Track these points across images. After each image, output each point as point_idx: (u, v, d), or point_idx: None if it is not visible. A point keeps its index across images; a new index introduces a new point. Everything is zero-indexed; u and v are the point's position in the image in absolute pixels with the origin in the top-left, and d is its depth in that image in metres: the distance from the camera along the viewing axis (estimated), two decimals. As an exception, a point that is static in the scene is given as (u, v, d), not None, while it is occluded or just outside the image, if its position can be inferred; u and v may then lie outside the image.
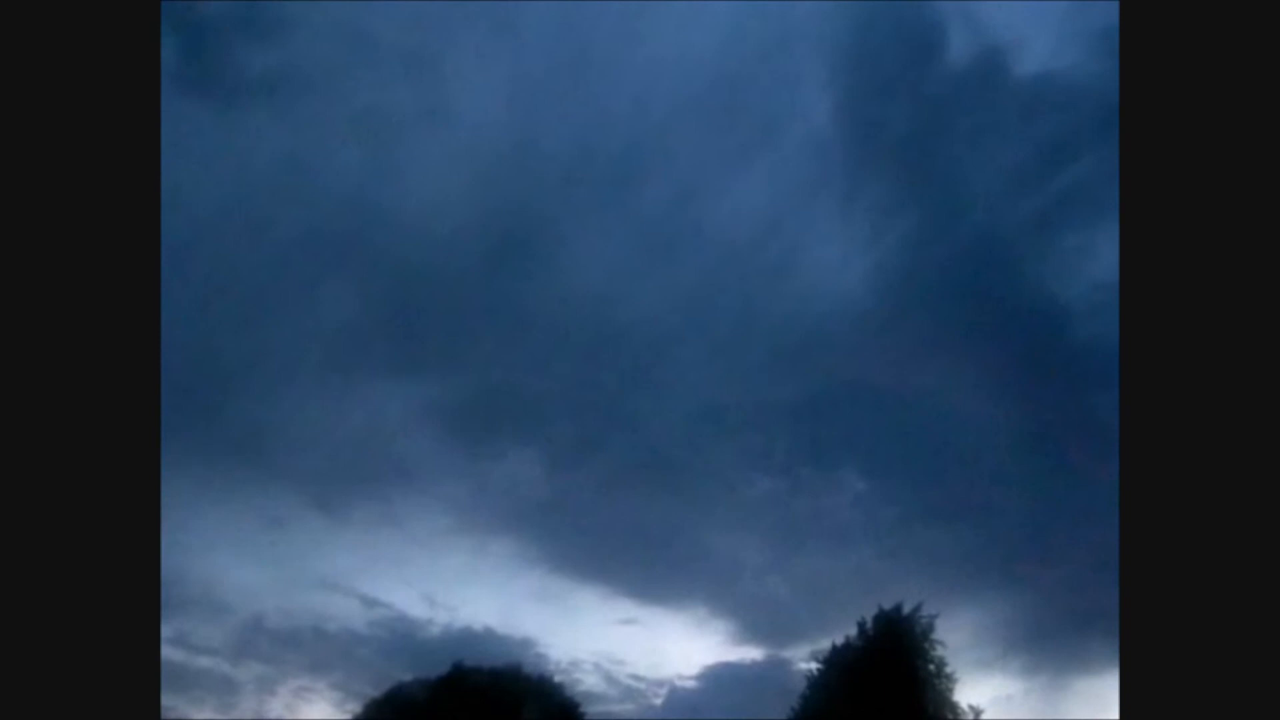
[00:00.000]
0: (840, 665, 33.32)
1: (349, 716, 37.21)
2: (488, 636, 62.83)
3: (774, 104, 73.01)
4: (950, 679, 32.56)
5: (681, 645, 64.82)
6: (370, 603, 64.54)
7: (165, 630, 56.60)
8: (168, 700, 54.27)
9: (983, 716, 32.44)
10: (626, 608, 66.95)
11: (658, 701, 58.03)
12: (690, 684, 57.69)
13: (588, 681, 60.19)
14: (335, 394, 72.94)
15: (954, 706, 32.30)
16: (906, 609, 33.33)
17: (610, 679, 61.34)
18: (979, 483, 64.83)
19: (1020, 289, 66.92)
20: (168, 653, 57.24)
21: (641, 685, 60.35)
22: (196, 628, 60.73)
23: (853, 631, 33.59)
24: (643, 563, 70.27)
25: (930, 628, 32.98)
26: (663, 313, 75.87)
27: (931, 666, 32.64)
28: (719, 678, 56.27)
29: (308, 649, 62.11)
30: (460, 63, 71.66)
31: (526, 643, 61.87)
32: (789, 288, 74.72)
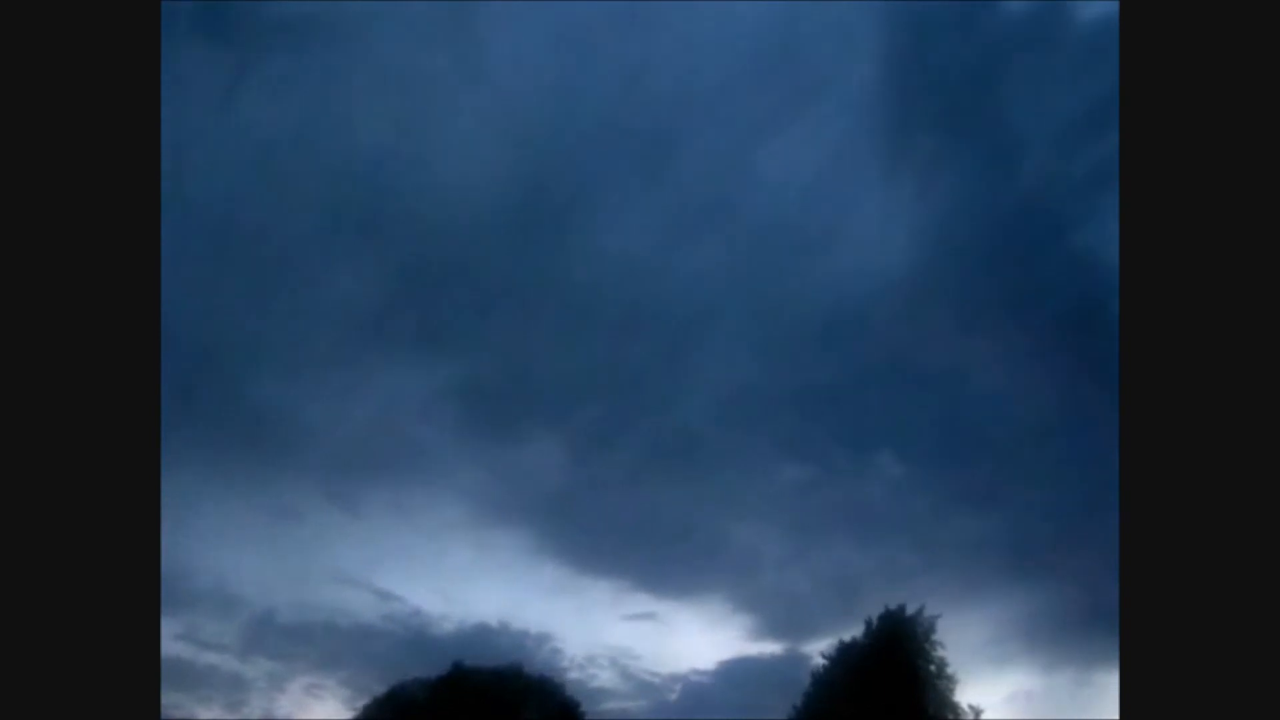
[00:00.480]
0: (843, 664, 33.38)
1: (352, 715, 37.23)
2: (502, 631, 61.60)
3: (822, 54, 67.21)
4: (951, 679, 32.59)
5: (699, 639, 63.17)
6: (384, 596, 62.85)
7: (174, 626, 56.31)
8: (176, 698, 53.64)
9: (983, 716, 32.47)
10: (644, 602, 65.07)
11: (673, 697, 57.18)
12: (706, 679, 56.69)
13: (602, 677, 59.77)
14: (351, 376, 68.90)
15: (954, 706, 32.33)
16: (910, 609, 33.40)
17: (625, 674, 60.31)
18: (1016, 467, 61.31)
19: (1069, 255, 62.82)
20: (177, 649, 56.68)
21: (656, 680, 59.32)
22: (206, 623, 59.51)
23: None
24: (662, 555, 67.37)
25: (932, 628, 33.03)
26: (698, 288, 71.05)
27: (933, 666, 32.69)
28: (735, 673, 55.21)
29: (319, 644, 60.89)
30: (497, 19, 65.90)
31: (541, 637, 61.17)
32: (829, 259, 69.56)
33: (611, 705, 57.63)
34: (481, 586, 65.04)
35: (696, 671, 58.33)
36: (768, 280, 70.95)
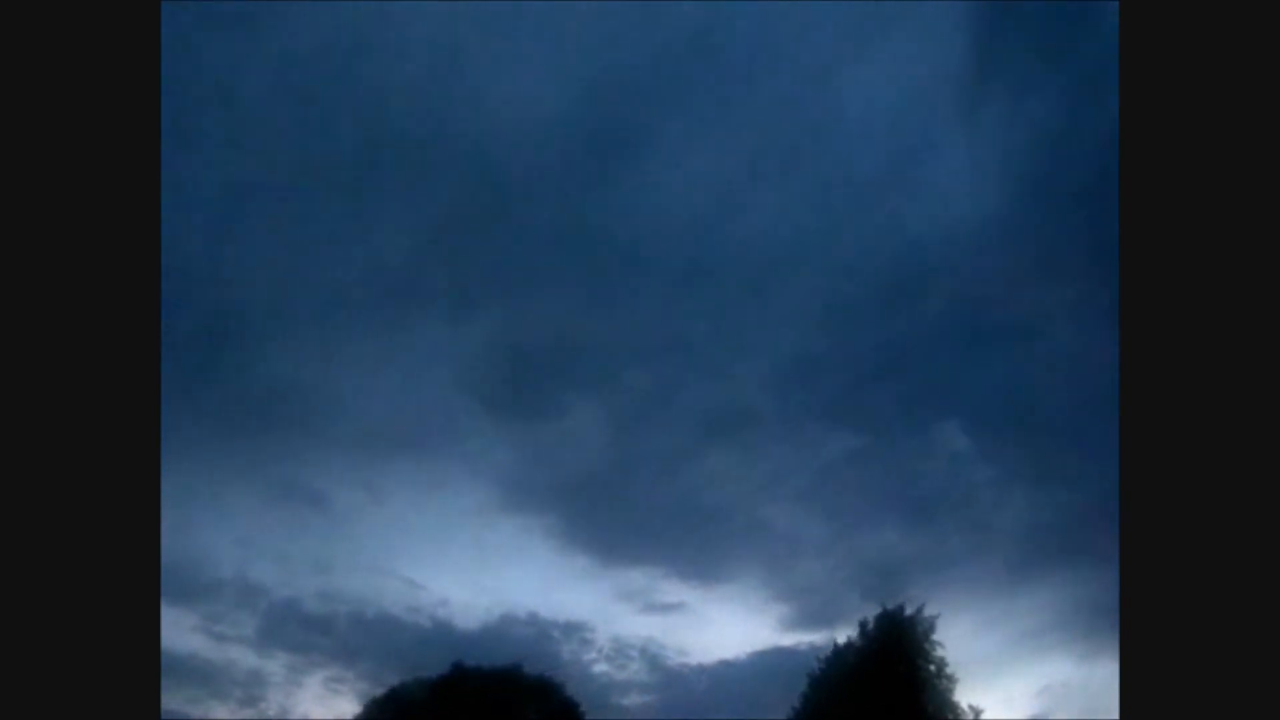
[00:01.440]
0: (842, 665, 33.37)
1: (352, 717, 37.21)
2: (530, 621, 59.56)
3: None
4: (950, 679, 32.60)
5: (732, 629, 60.37)
6: (409, 584, 60.25)
7: (191, 618, 55.21)
8: (192, 693, 52.78)
9: (983, 717, 32.47)
10: (677, 589, 61.95)
11: (701, 689, 55.09)
12: (737, 670, 54.64)
13: (631, 668, 58.22)
14: (378, 343, 63.11)
15: (954, 706, 32.32)
16: (909, 609, 33.40)
17: (655, 665, 58.43)
18: (1087, 438, 55.11)
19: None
20: (194, 641, 55.33)
21: (686, 671, 57.33)
22: (227, 612, 57.42)
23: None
24: (698, 539, 63.54)
25: (932, 628, 33.04)
26: (760, 243, 64.46)
27: (932, 667, 32.69)
28: (768, 664, 52.92)
29: (342, 635, 58.62)
30: (557, -61, 58.96)
31: (570, 627, 59.20)
32: (901, 206, 63.15)
33: (637, 699, 56.14)
34: (511, 573, 62.08)
35: (725, 663, 56.17)
36: (835, 232, 64.33)
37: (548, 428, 66.00)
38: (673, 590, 61.92)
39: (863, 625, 33.70)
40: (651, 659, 58.84)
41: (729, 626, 60.25)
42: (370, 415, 64.06)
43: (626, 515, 65.18)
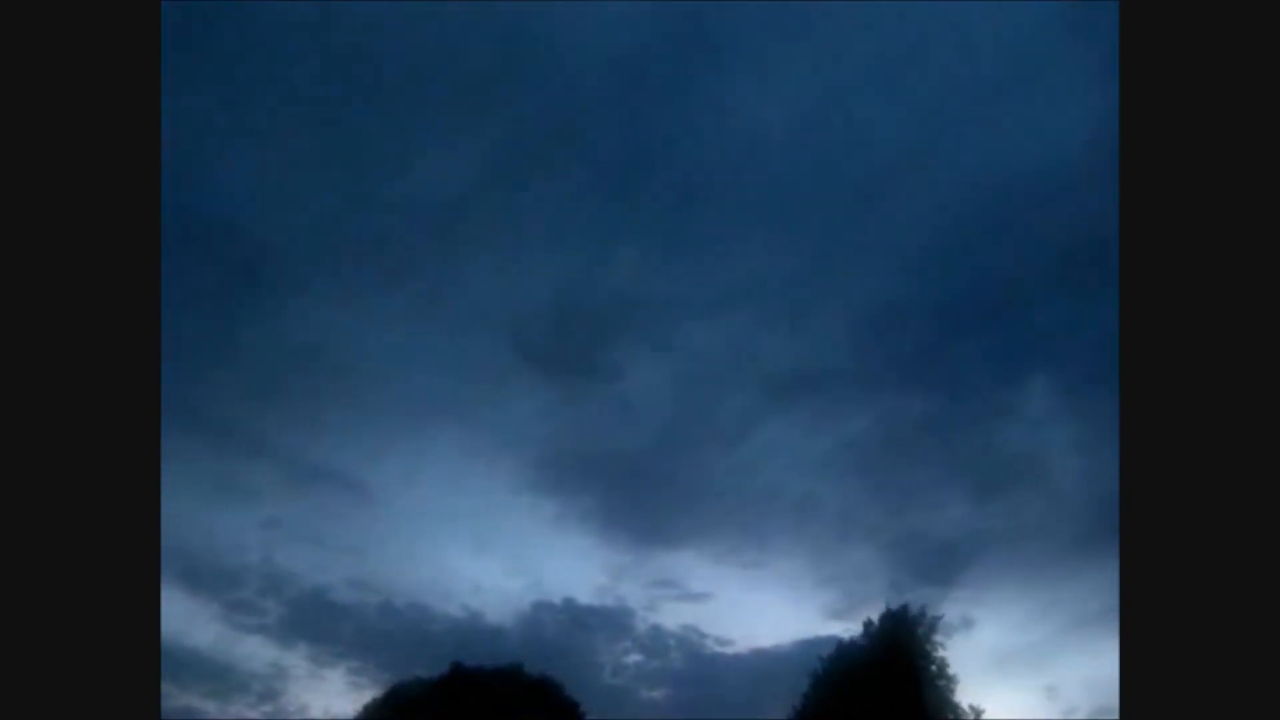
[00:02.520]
0: (845, 663, 33.38)
1: (351, 716, 37.21)
2: (566, 608, 56.74)
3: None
4: (951, 679, 32.59)
5: (777, 616, 56.88)
6: (443, 571, 57.45)
7: (214, 607, 53.10)
8: (210, 686, 50.79)
9: (983, 717, 32.47)
10: (722, 574, 57.96)
11: (735, 680, 51.80)
12: (779, 659, 50.41)
13: (670, 656, 55.01)
14: (421, 294, 56.20)
15: (954, 706, 32.32)
16: (912, 610, 33.43)
17: (692, 654, 55.39)
18: None
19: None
20: (214, 632, 52.96)
21: (725, 660, 54.42)
22: (254, 600, 54.91)
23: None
24: (747, 521, 58.75)
25: (933, 628, 33.04)
26: (850, 168, 56.44)
27: (933, 667, 32.69)
28: (810, 654, 49.29)
29: (370, 625, 55.88)
30: None
31: (607, 614, 56.66)
32: (1008, 131, 54.54)
33: (659, 693, 53.52)
34: (547, 557, 58.60)
35: (760, 652, 52.99)
36: (930, 159, 56.18)
37: (600, 392, 59.59)
38: (715, 575, 57.98)
39: (866, 625, 33.73)
40: (690, 648, 55.88)
41: (772, 614, 56.48)
42: (406, 379, 58.81)
43: (672, 494, 59.84)
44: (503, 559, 59.34)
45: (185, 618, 52.80)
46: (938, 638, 33.01)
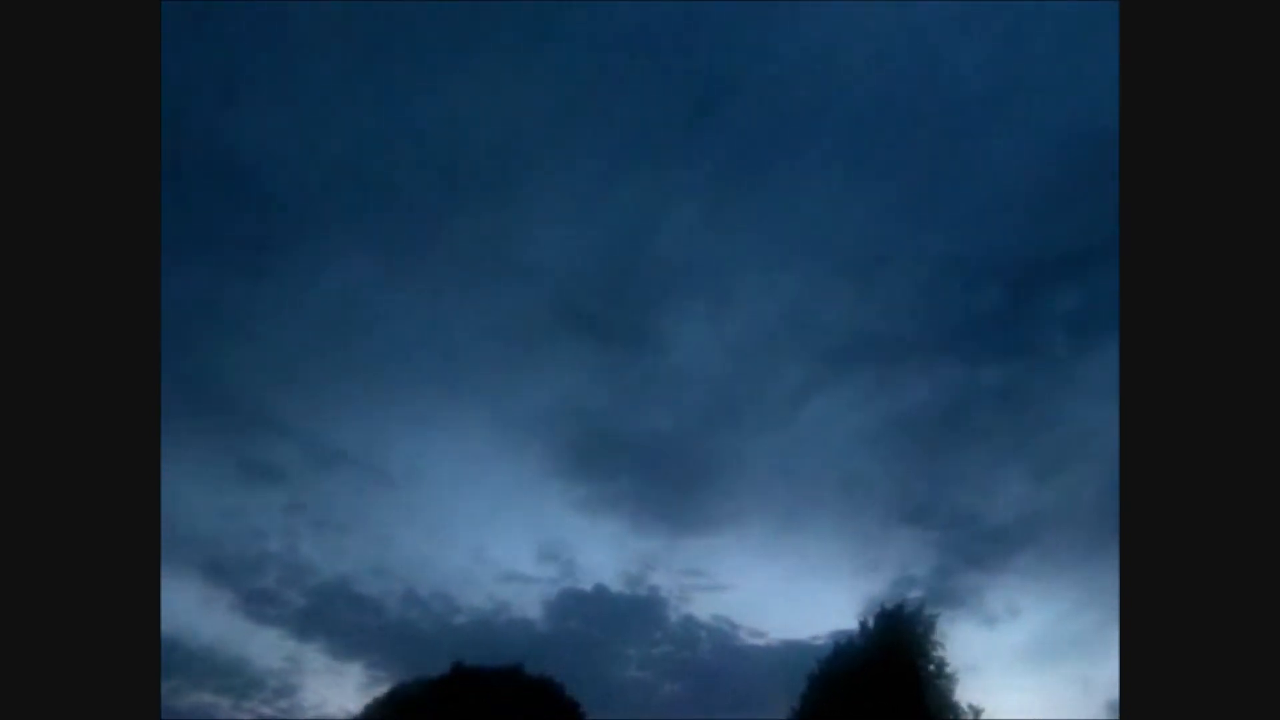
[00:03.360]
0: (841, 664, 33.34)
1: (351, 717, 37.19)
2: (597, 596, 54.62)
3: None
4: (950, 678, 32.57)
5: (815, 607, 53.07)
6: (470, 557, 54.81)
7: (230, 597, 51.36)
8: (227, 680, 49.39)
9: (983, 717, 32.45)
10: (760, 562, 55.04)
11: (759, 670, 49.50)
12: (814, 653, 48.47)
13: (701, 648, 52.47)
14: (453, 249, 51.17)
15: (954, 706, 32.30)
16: (909, 608, 33.40)
17: (722, 646, 52.98)
18: None
19: None
20: (229, 624, 51.17)
21: (755, 653, 52.34)
22: (275, 590, 52.93)
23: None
24: (789, 505, 55.18)
25: (931, 627, 33.01)
26: (936, 120, 50.86)
27: (932, 666, 32.66)
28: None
29: (391, 619, 53.53)
30: None
31: (639, 603, 54.26)
32: (1106, 75, 48.11)
33: (686, 685, 51.43)
34: (579, 544, 55.40)
35: (791, 645, 48.90)
36: (1031, 85, 50.75)
37: (645, 363, 55.28)
38: (752, 563, 55.00)
39: (862, 624, 33.69)
40: (721, 641, 53.30)
41: (809, 604, 52.79)
42: (437, 344, 54.84)
43: (712, 476, 55.77)
44: (532, 545, 56.66)
45: (202, 608, 51.50)
46: (936, 637, 33.01)
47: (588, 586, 55.60)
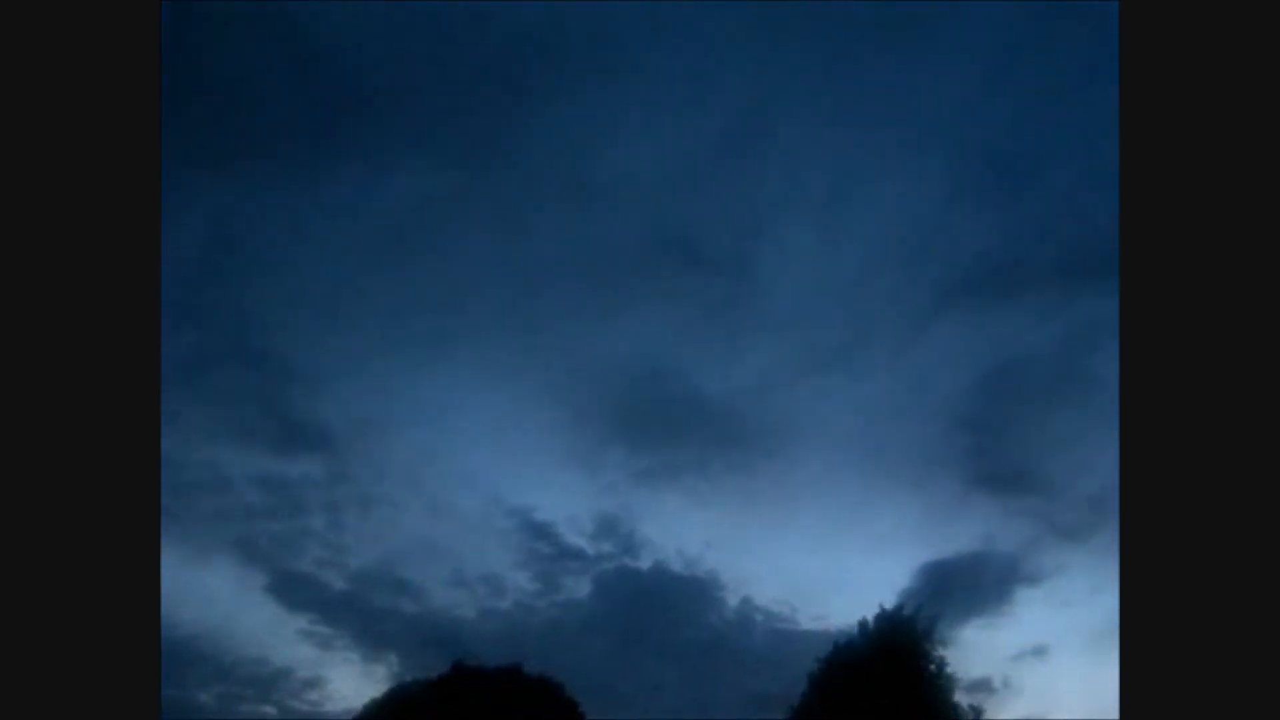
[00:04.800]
0: (841, 665, 33.34)
1: (351, 717, 37.21)
2: (655, 573, 51.01)
3: None
4: (950, 679, 32.58)
5: (886, 584, 50.02)
6: (531, 530, 50.38)
7: (260, 577, 48.07)
8: (250, 671, 47.48)
9: (983, 717, 32.46)
10: (825, 541, 51.26)
11: (803, 660, 47.72)
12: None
13: (755, 634, 49.18)
14: (541, 159, 45.12)
15: (954, 706, 32.31)
16: (908, 610, 33.42)
17: (778, 634, 49.35)
18: None
19: None
20: (270, 609, 48.30)
21: (813, 639, 46.73)
22: (312, 572, 49.51)
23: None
24: (866, 476, 50.73)
25: (931, 627, 33.02)
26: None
27: (932, 666, 32.66)
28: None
29: (435, 603, 50.26)
30: None
31: (696, 583, 50.87)
32: None
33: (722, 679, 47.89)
34: (640, 518, 51.36)
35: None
36: None
37: (736, 309, 48.81)
38: (822, 539, 51.26)
39: (862, 624, 33.71)
40: (776, 623, 50.10)
41: (881, 584, 49.72)
42: (504, 277, 49.23)
43: (787, 440, 49.91)
44: (590, 518, 52.71)
45: (234, 595, 49.07)
46: (935, 637, 33.02)
47: (645, 565, 52.11)
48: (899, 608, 33.50)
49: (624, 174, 48.28)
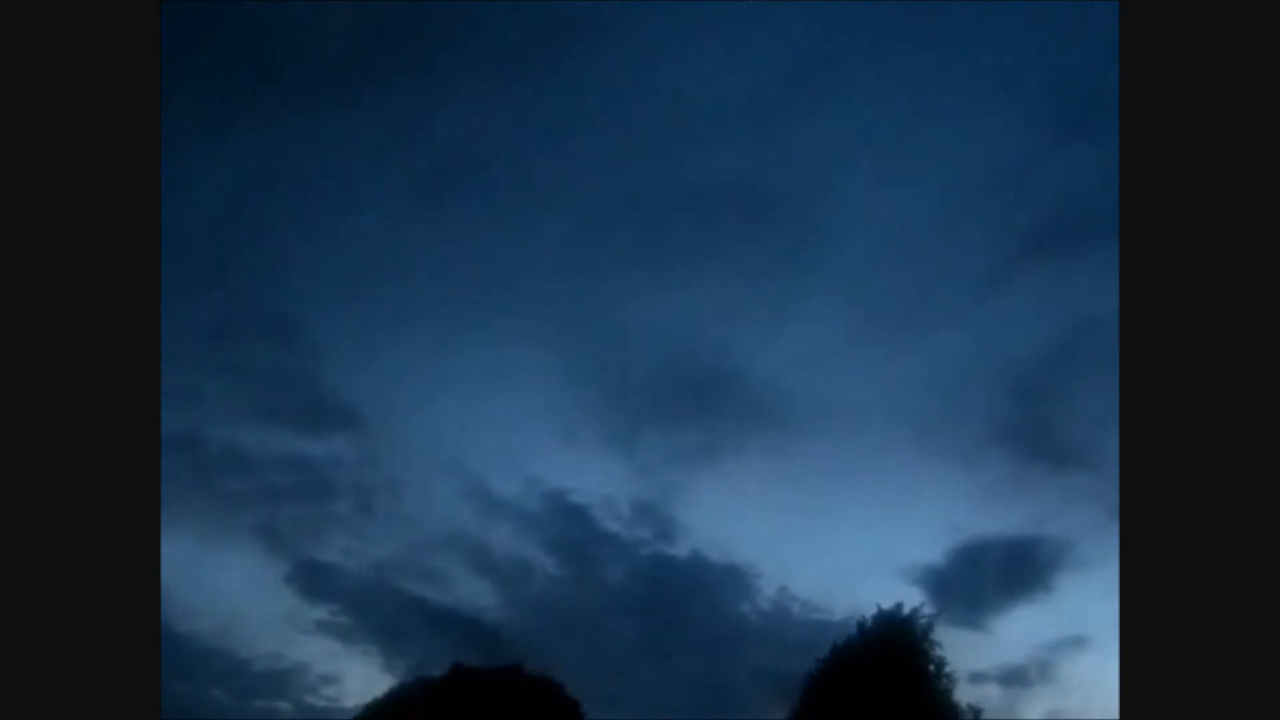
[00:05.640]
0: (839, 665, 33.31)
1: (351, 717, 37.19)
2: (693, 561, 49.26)
3: None
4: (950, 679, 32.54)
5: (917, 578, 47.53)
6: (564, 514, 49.02)
7: (283, 567, 47.20)
8: (265, 665, 46.66)
9: (983, 717, 32.43)
10: (875, 525, 49.75)
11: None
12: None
13: (793, 626, 47.10)
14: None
15: (954, 706, 32.28)
16: (906, 609, 33.38)
17: (814, 622, 46.61)
18: None
19: None
20: (290, 602, 47.14)
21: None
22: (337, 562, 48.11)
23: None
24: (910, 459, 48.40)
25: (930, 627, 32.99)
26: None
27: (931, 666, 32.63)
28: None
29: (461, 593, 49.32)
30: None
31: (732, 571, 49.03)
32: None
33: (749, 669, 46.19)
34: (676, 501, 49.54)
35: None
36: None
37: (790, 276, 45.64)
38: (868, 525, 49.65)
39: (860, 624, 33.66)
40: (810, 614, 48.29)
41: (915, 574, 47.78)
42: (556, 223, 46.93)
43: (832, 418, 47.52)
44: (627, 503, 50.81)
45: (252, 584, 47.86)
46: (935, 636, 32.97)
47: (682, 552, 50.25)
48: (896, 607, 33.46)
49: (679, 116, 45.67)
